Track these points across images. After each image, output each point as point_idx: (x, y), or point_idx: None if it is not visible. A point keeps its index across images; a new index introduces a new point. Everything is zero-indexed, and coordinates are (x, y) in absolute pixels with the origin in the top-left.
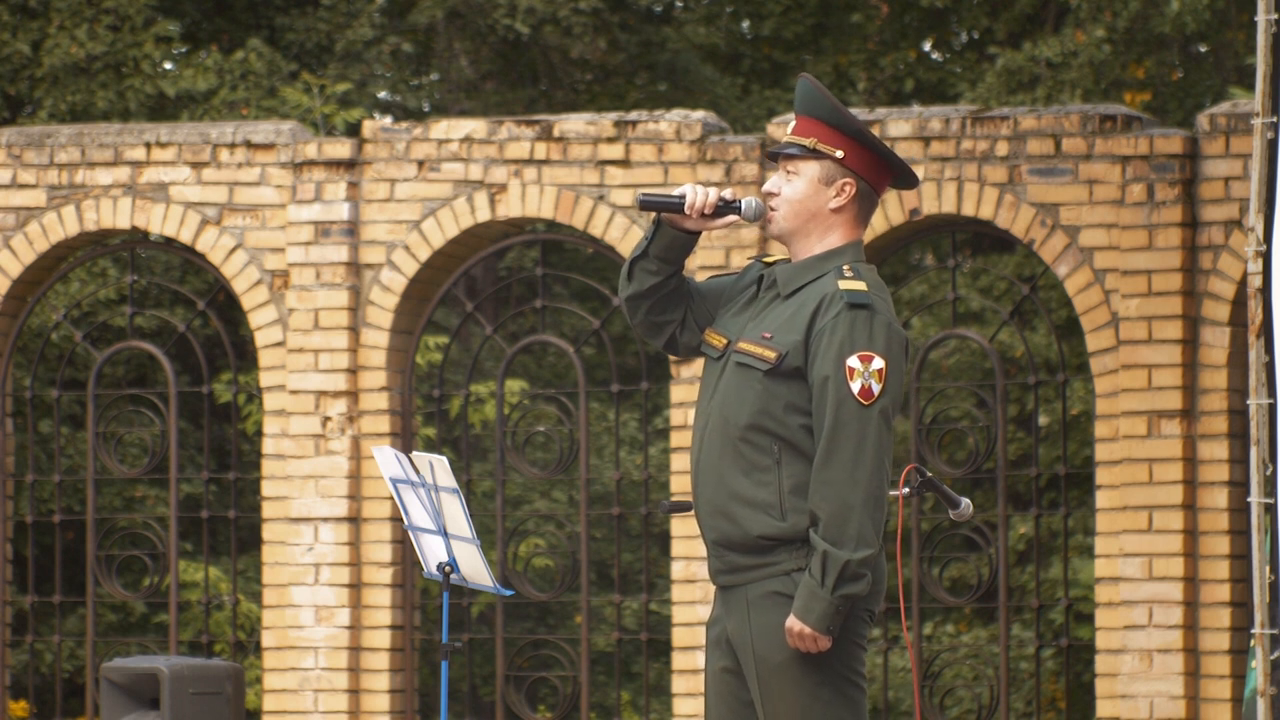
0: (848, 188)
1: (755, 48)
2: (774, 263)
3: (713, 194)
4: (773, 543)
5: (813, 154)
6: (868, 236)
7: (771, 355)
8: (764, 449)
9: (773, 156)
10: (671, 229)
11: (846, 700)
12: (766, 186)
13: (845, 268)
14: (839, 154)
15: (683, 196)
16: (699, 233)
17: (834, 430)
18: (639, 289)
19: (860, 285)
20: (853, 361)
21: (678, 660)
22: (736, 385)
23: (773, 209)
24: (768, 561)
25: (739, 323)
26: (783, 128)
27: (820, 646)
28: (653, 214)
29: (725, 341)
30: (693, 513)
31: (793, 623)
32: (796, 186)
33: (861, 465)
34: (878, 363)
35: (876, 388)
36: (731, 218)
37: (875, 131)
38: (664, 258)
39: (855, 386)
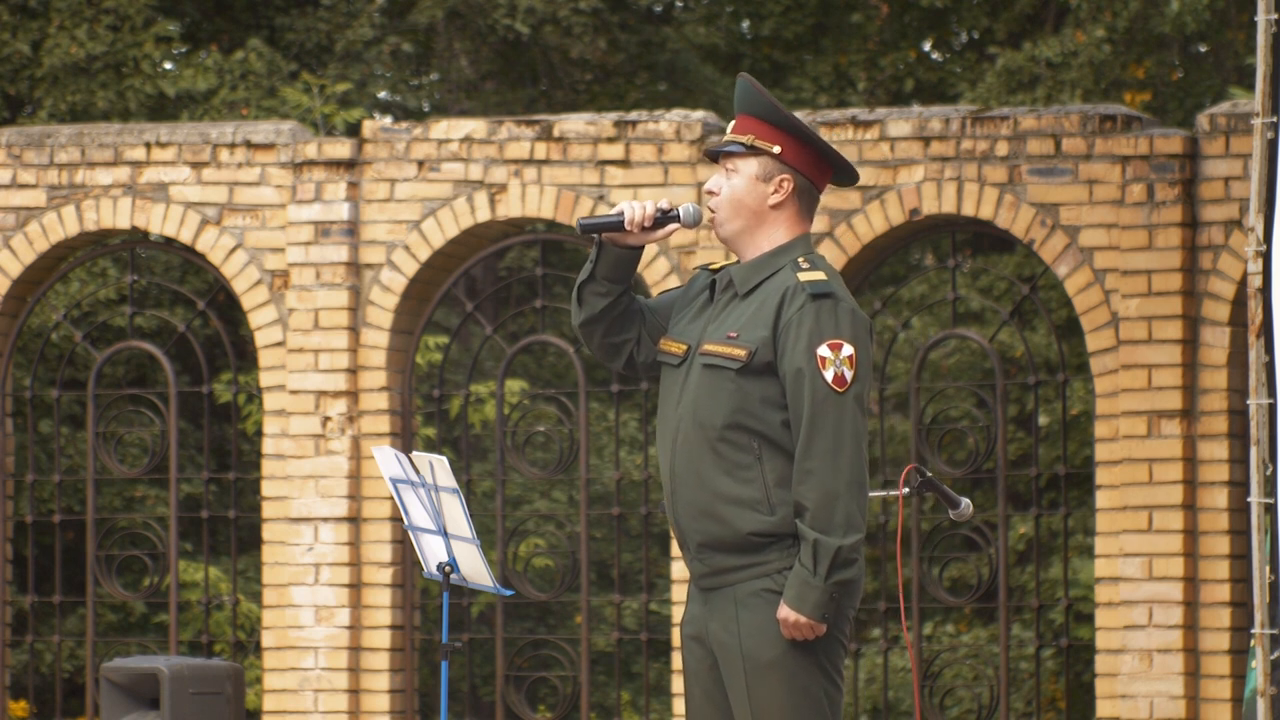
0: (785, 184)
1: (755, 48)
2: (721, 268)
3: (650, 206)
4: (763, 540)
5: (750, 150)
6: (867, 237)
7: (741, 353)
8: (744, 447)
9: (712, 156)
10: (615, 248)
11: (829, 699)
12: (708, 185)
13: (801, 260)
14: (776, 149)
15: (621, 214)
16: (642, 247)
17: (812, 420)
18: (591, 313)
19: (819, 275)
20: (823, 351)
21: (678, 660)
22: (708, 387)
23: (712, 209)
24: (757, 561)
25: (696, 328)
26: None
27: (817, 633)
28: (594, 236)
29: (686, 347)
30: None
31: (786, 613)
32: (735, 184)
33: (842, 452)
34: (847, 349)
35: (849, 374)
36: (672, 227)
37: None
38: (611, 277)
39: (829, 375)
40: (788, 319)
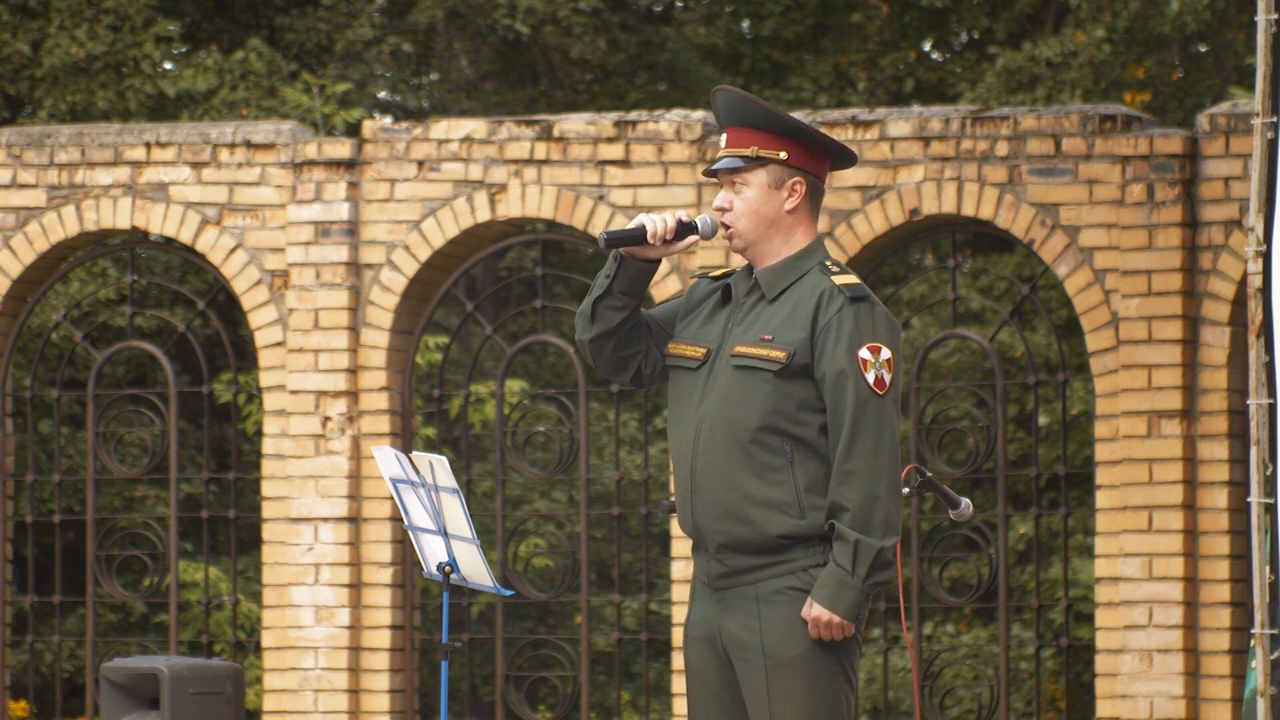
0: (798, 186)
1: (755, 48)
2: (721, 275)
3: (670, 219)
4: (791, 541)
5: (757, 162)
6: (867, 237)
7: (780, 355)
8: (776, 449)
9: (712, 174)
10: (634, 261)
11: (845, 700)
12: (717, 203)
13: (829, 263)
14: (782, 155)
15: (642, 227)
16: (659, 260)
17: (855, 422)
18: (606, 328)
19: (853, 279)
20: (864, 354)
21: (678, 660)
22: (740, 389)
23: (728, 225)
24: (782, 559)
25: (713, 331)
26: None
27: (846, 633)
28: (610, 251)
29: (705, 350)
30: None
31: (820, 613)
32: (749, 197)
33: (882, 454)
34: (885, 353)
35: (888, 377)
36: (692, 238)
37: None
38: (628, 291)
39: (870, 378)
40: (826, 321)
